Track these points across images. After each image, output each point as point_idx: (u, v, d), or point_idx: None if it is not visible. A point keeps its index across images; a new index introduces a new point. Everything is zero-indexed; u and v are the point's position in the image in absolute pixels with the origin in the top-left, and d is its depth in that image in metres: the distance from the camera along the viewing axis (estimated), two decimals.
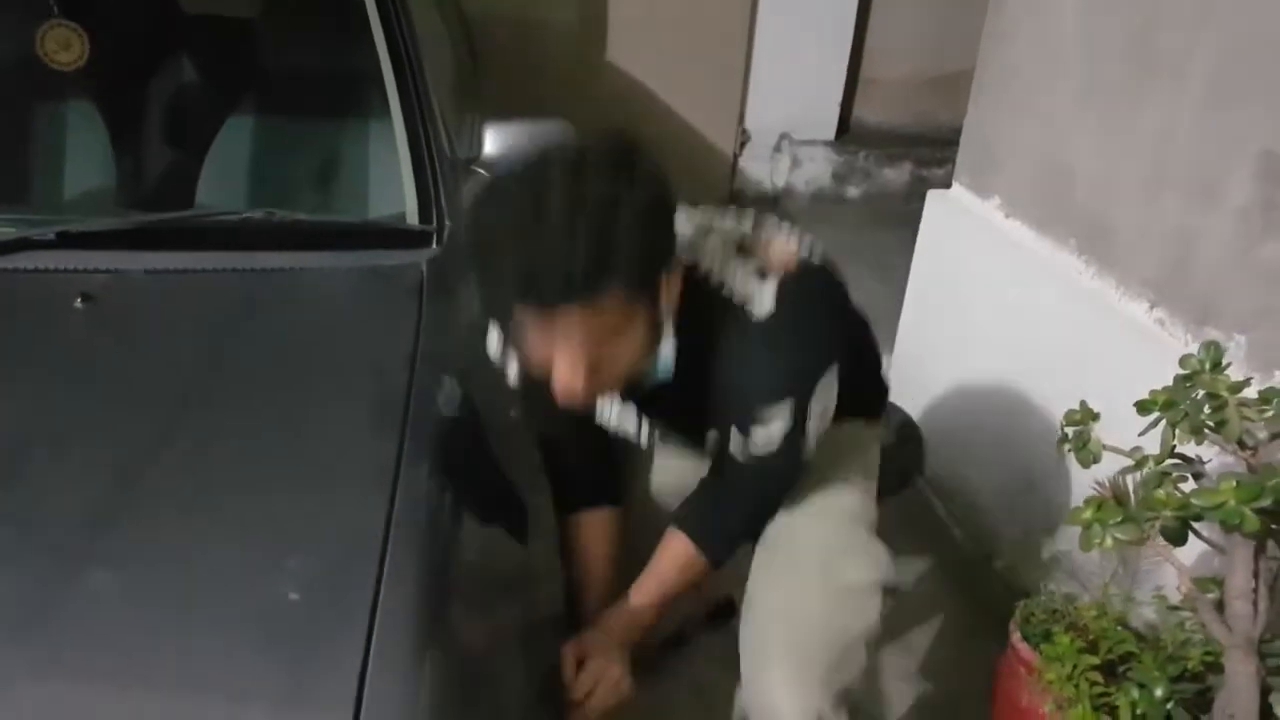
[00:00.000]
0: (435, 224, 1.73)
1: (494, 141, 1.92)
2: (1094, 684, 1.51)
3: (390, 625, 1.09)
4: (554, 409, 1.31)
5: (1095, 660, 1.53)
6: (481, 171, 1.88)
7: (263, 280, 1.56)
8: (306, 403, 1.36)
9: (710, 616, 1.70)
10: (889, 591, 1.56)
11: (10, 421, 1.27)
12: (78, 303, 1.41)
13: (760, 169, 4.59)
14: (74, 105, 1.86)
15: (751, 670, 1.47)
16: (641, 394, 1.42)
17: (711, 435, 1.47)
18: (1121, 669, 1.56)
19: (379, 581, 1.12)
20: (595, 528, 1.59)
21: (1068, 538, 2.23)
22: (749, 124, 4.52)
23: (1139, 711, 1.43)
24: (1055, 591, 1.83)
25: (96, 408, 1.30)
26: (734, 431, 1.39)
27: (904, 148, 4.61)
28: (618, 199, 1.15)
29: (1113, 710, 1.47)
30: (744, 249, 1.36)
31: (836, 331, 1.43)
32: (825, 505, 1.57)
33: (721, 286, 1.33)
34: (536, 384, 1.27)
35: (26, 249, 1.50)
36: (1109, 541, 1.31)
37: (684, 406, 1.43)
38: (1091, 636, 1.61)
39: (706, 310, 1.32)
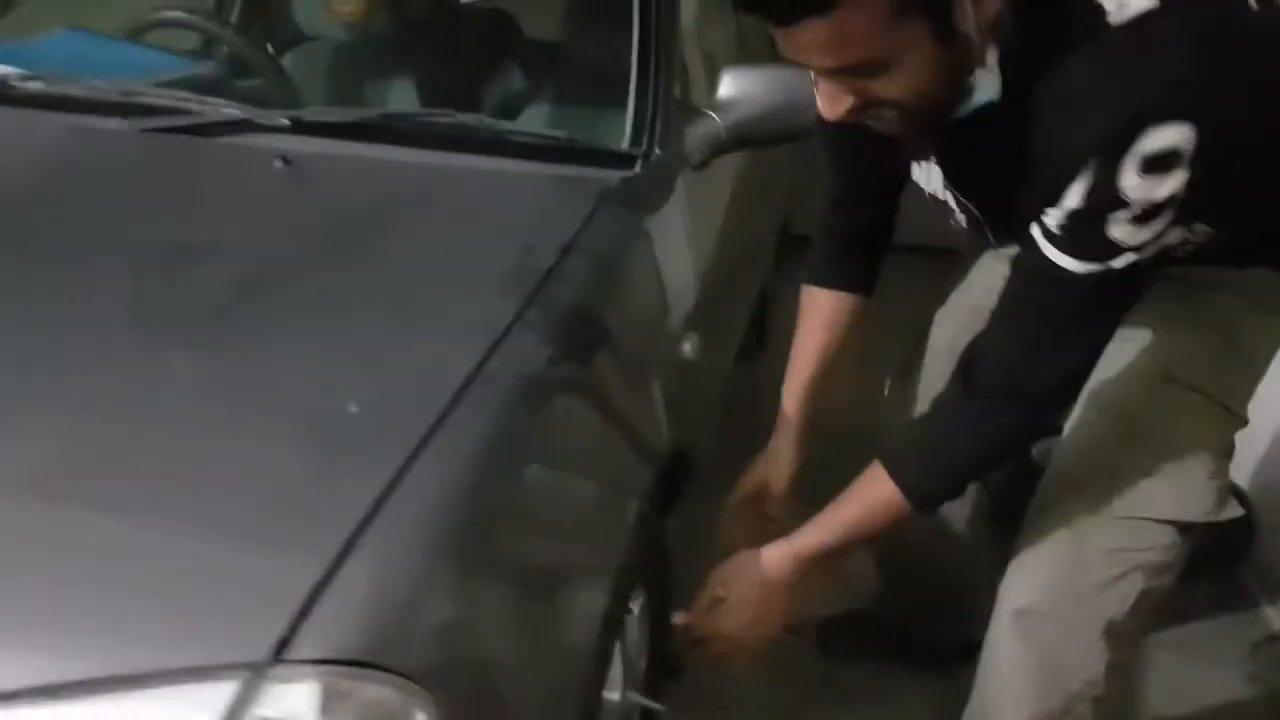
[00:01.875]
0: (643, 150, 1.74)
1: (729, 86, 1.88)
2: None
3: (435, 460, 1.04)
4: (852, 158, 1.27)
5: None
6: (712, 114, 1.85)
7: (458, 177, 1.61)
8: (451, 266, 1.38)
9: None
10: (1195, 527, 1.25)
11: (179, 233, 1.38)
12: (278, 164, 1.52)
13: None
14: None
15: (1009, 573, 1.30)
16: (955, 143, 1.10)
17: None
18: None
19: (440, 418, 1.08)
20: (827, 310, 1.49)
21: None
22: None
23: None
24: None
25: (265, 240, 1.39)
26: (1037, 220, 1.03)
27: None
28: None
29: None
30: None
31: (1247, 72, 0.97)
32: (1147, 413, 1.21)
33: None
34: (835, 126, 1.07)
35: (256, 130, 1.64)
36: None
37: (1000, 175, 1.07)
38: None
39: (1051, 17, 0.97)
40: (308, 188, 1.54)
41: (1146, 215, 0.97)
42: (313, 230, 1.43)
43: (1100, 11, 0.95)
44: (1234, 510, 1.42)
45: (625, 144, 1.74)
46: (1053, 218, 1.02)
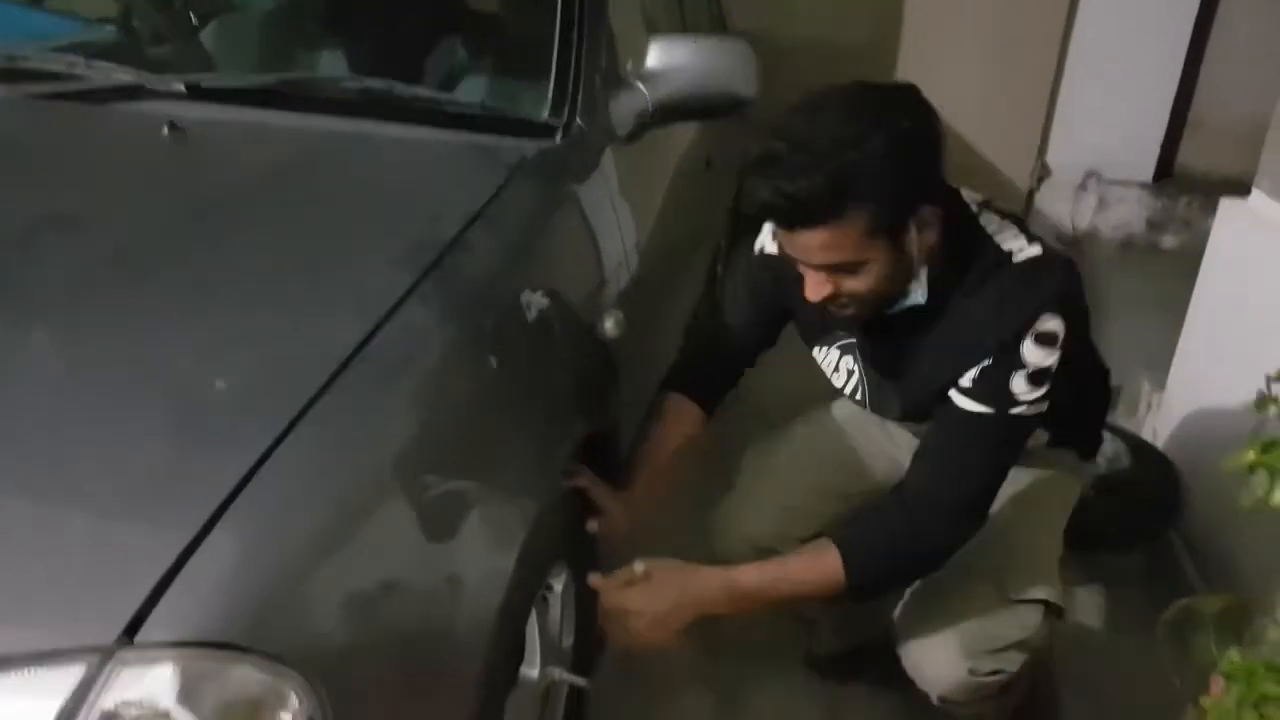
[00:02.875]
0: (564, 120, 1.66)
1: (657, 57, 1.81)
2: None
3: (307, 439, 0.97)
4: (755, 297, 1.60)
5: (1277, 690, 1.11)
6: (640, 85, 1.77)
7: (363, 145, 1.54)
8: (344, 237, 1.30)
9: None
10: (1058, 615, 1.54)
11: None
12: (164, 131, 1.43)
13: (1059, 209, 4.15)
14: None
15: (908, 637, 1.51)
16: (880, 328, 1.45)
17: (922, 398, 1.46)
18: None
19: (315, 397, 1.01)
20: (683, 414, 1.63)
21: None
22: (1050, 158, 4.10)
23: None
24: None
25: (142, 210, 1.31)
26: (953, 385, 1.38)
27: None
28: (874, 127, 1.22)
29: None
30: (1021, 226, 1.43)
31: (1081, 312, 1.42)
32: (1009, 530, 1.53)
33: (989, 238, 1.39)
34: (775, 264, 1.48)
35: (150, 97, 1.55)
36: (1277, 495, 0.94)
37: (912, 355, 1.44)
38: None
39: (969, 256, 1.37)
40: (196, 155, 1.45)
41: (1037, 377, 1.35)
42: (196, 199, 1.34)
43: (1008, 255, 1.37)
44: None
45: (545, 114, 1.66)
46: (968, 378, 1.37)
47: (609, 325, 1.55)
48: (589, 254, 1.57)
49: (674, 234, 2.14)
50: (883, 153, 1.22)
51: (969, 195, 1.45)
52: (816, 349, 1.63)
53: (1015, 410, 1.35)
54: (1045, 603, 1.50)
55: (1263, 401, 1.16)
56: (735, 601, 1.38)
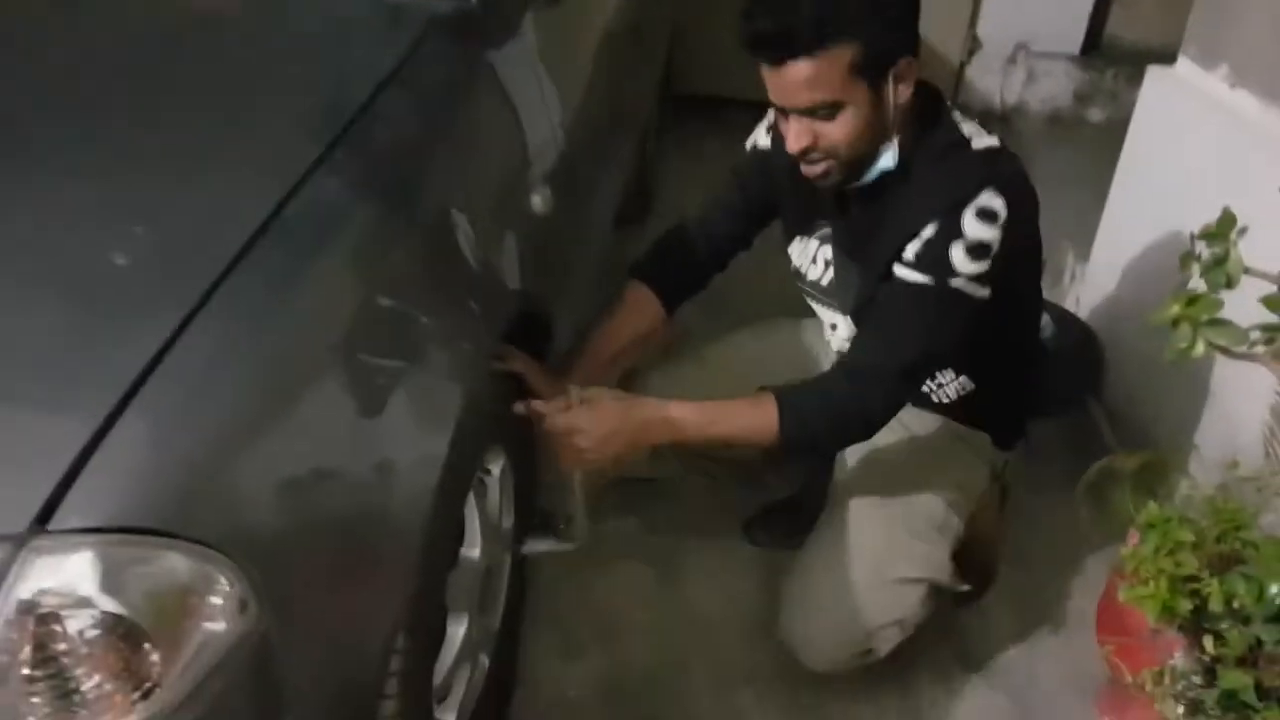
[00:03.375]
0: None
1: None
2: (1181, 564, 1.13)
3: (219, 315, 0.93)
4: (743, 188, 1.66)
5: (1190, 537, 1.15)
6: None
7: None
8: (248, 101, 1.22)
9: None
10: (941, 592, 1.61)
11: None
12: None
13: (989, 82, 4.11)
14: None
15: (790, 618, 1.59)
16: (853, 203, 1.51)
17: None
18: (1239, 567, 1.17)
19: (226, 270, 0.96)
20: (642, 305, 1.66)
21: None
22: (981, 30, 4.06)
23: (1236, 604, 1.05)
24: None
25: (33, 69, 1.24)
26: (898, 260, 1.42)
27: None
28: None
29: (1203, 601, 1.10)
30: (986, 125, 1.50)
31: (1031, 207, 1.50)
32: (906, 504, 1.59)
33: (955, 124, 1.46)
34: (766, 157, 1.60)
35: None
36: (1200, 348, 0.96)
37: (875, 231, 1.46)
38: (1204, 524, 1.23)
39: (934, 131, 1.44)
40: (86, 10, 1.35)
41: (976, 250, 1.38)
42: (87, 60, 1.26)
43: (967, 140, 1.45)
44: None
45: None
46: (910, 249, 1.41)
47: (536, 201, 1.51)
48: (512, 125, 1.51)
49: (602, 109, 2.08)
50: None
51: None
52: (797, 240, 1.66)
53: (954, 282, 1.38)
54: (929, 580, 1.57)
55: (1186, 258, 1.18)
56: (674, 432, 1.43)
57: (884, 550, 1.55)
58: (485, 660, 1.47)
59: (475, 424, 1.28)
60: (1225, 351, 1.01)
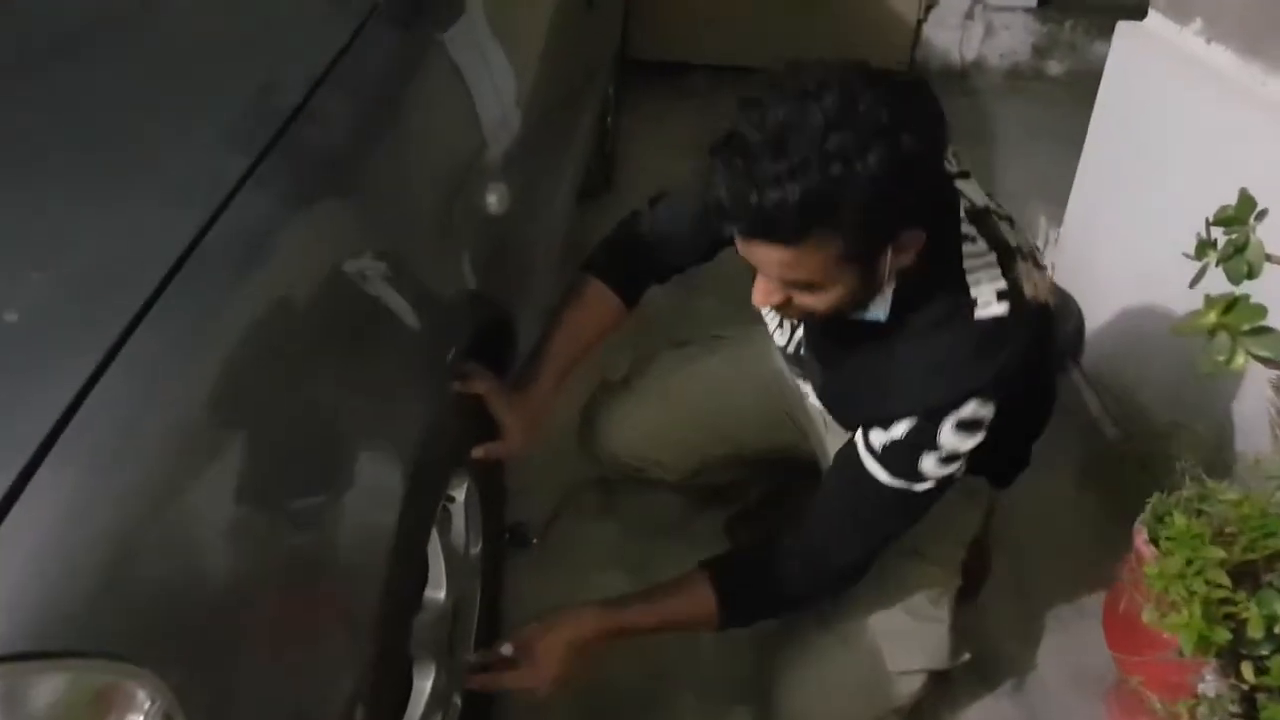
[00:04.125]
0: None
1: None
2: (1214, 585, 1.05)
3: (129, 375, 0.77)
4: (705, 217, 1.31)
5: (1221, 554, 1.07)
6: None
7: None
8: (165, 105, 1.06)
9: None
10: (941, 674, 1.51)
11: None
12: None
13: (948, 37, 4.03)
14: None
15: (786, 704, 1.49)
16: (837, 329, 1.32)
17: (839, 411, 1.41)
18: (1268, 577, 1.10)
19: (137, 317, 0.81)
20: (604, 305, 1.51)
21: (1243, 433, 1.73)
22: None
23: (1277, 630, 0.97)
24: (1204, 482, 1.35)
25: None
26: (862, 427, 1.31)
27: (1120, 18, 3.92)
28: (866, 147, 1.03)
29: (1239, 624, 1.02)
30: (1006, 259, 1.25)
31: (1026, 387, 1.31)
32: (898, 576, 1.47)
33: (963, 277, 1.23)
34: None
35: None
36: (1240, 359, 0.87)
37: (850, 364, 1.34)
38: (1229, 529, 1.15)
39: (938, 285, 1.23)
40: None
41: (949, 459, 1.27)
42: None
43: (972, 305, 1.22)
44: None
45: None
46: (877, 439, 1.28)
47: (492, 200, 1.39)
48: (462, 114, 1.38)
49: (559, 83, 1.95)
50: (875, 175, 1.03)
51: (972, 198, 1.30)
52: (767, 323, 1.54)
53: (920, 487, 1.29)
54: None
55: (1203, 246, 1.09)
56: (615, 637, 1.38)
57: (883, 640, 1.45)
58: (458, 701, 1.36)
59: (436, 452, 1.17)
60: (1268, 363, 0.93)
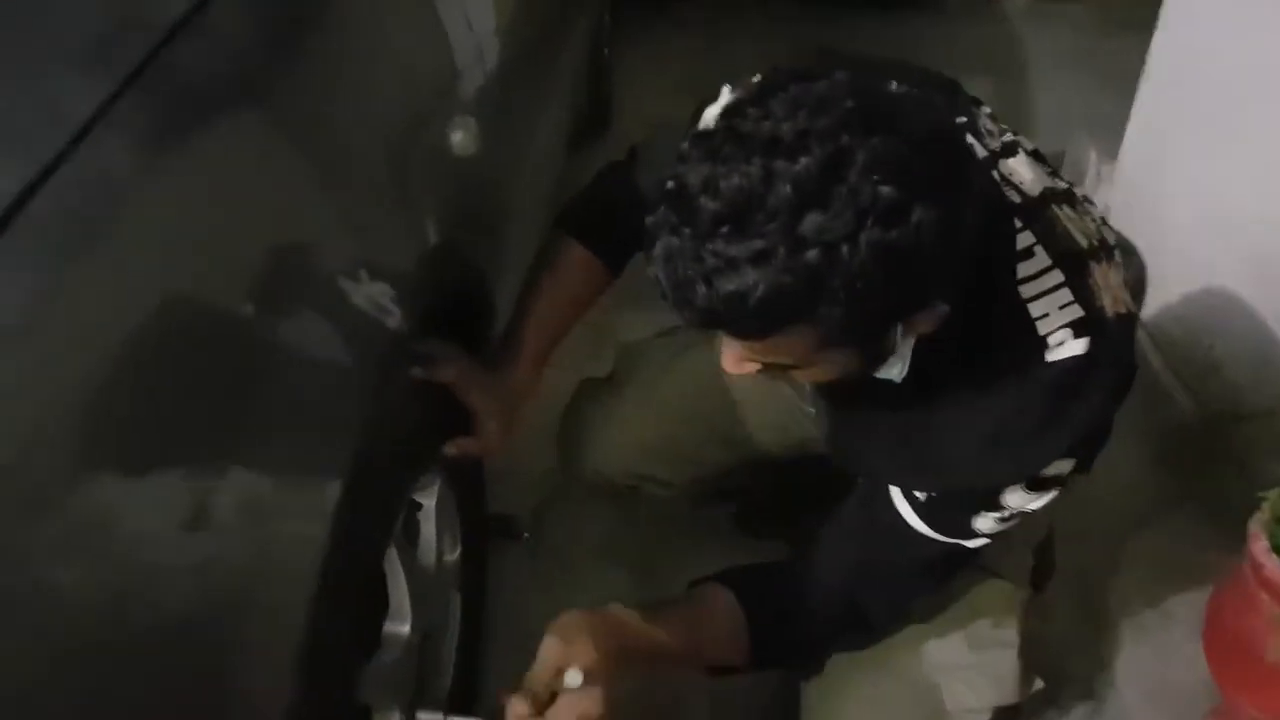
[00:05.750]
0: None
1: None
2: None
3: None
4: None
5: None
6: None
7: None
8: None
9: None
10: (1009, 710, 1.27)
11: None
12: None
13: None
14: None
15: None
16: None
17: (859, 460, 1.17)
18: None
19: None
20: (591, 273, 1.27)
21: None
22: None
23: None
24: None
25: None
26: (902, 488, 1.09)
27: None
28: (854, 229, 0.74)
29: None
30: (1075, 272, 0.96)
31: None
32: (956, 595, 1.23)
33: (1026, 306, 0.95)
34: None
35: None
36: None
37: (869, 415, 1.09)
38: None
39: (986, 338, 0.96)
40: None
41: (1012, 518, 1.06)
42: None
43: (1041, 346, 0.94)
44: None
45: None
46: (924, 495, 1.06)
47: (456, 138, 1.13)
48: (418, 30, 1.14)
49: (539, 13, 1.69)
50: (867, 263, 0.75)
51: (1023, 184, 0.99)
52: None
53: (974, 544, 1.08)
54: None
55: None
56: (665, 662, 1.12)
57: (941, 676, 1.22)
58: None
59: (386, 454, 0.94)
60: None
